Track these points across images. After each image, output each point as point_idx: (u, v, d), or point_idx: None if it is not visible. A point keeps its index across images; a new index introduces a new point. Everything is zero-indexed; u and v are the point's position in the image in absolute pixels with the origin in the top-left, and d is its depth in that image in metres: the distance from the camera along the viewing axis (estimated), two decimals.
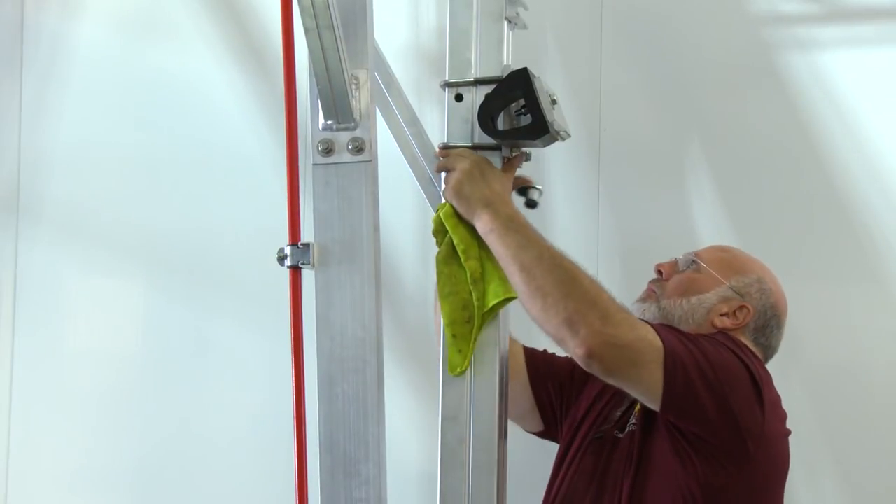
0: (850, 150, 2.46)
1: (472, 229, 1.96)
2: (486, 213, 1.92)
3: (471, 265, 1.96)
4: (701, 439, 1.93)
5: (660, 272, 2.18)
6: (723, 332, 2.08)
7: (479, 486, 1.97)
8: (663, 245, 2.52)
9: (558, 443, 2.25)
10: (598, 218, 2.58)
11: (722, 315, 2.10)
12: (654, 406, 1.92)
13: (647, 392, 1.91)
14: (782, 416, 2.07)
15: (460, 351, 1.97)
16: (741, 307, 2.10)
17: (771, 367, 2.40)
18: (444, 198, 1.98)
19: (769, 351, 2.16)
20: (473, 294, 1.96)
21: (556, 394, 2.27)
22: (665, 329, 1.95)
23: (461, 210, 1.95)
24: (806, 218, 2.49)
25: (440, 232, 2.00)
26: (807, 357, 2.47)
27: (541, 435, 2.31)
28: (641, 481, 1.98)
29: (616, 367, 1.87)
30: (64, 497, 2.88)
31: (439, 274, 2.00)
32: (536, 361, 2.28)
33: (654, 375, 1.87)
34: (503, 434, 2.02)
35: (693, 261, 2.16)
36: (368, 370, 1.88)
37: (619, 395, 2.14)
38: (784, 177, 2.50)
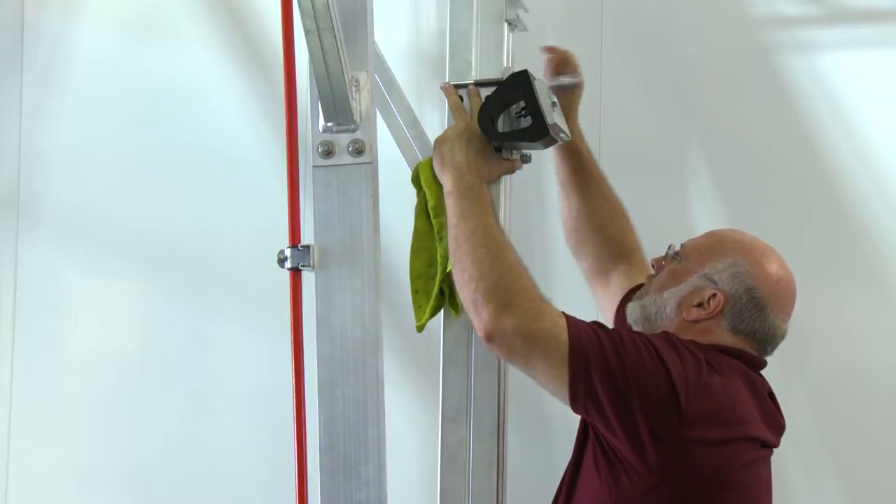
0: (850, 152, 2.47)
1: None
2: (452, 174, 1.93)
3: (439, 222, 1.99)
4: (611, 447, 1.87)
5: (653, 266, 2.12)
6: (666, 333, 1.97)
7: (479, 488, 1.98)
8: (663, 246, 2.52)
9: None
10: None
11: (696, 306, 2.00)
12: (564, 401, 1.87)
13: (552, 386, 1.86)
14: (727, 422, 1.91)
15: (420, 306, 1.99)
16: (713, 295, 1.99)
17: (771, 367, 2.40)
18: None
19: (758, 336, 2.01)
20: (438, 251, 1.98)
21: None
22: (586, 326, 1.88)
23: (435, 165, 1.97)
24: (806, 220, 2.49)
25: (416, 181, 2.02)
26: (807, 359, 2.47)
27: None
28: (574, 491, 1.95)
29: (512, 354, 1.85)
30: (64, 497, 2.88)
31: (413, 228, 2.03)
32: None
33: (556, 370, 1.83)
34: (503, 435, 2.02)
35: (675, 253, 2.09)
36: (368, 372, 1.88)
37: None
38: (784, 178, 2.50)
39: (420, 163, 2.03)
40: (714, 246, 2.07)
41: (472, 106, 1.99)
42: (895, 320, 2.44)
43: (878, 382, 2.44)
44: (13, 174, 2.92)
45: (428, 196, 1.99)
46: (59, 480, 2.88)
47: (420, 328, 2.01)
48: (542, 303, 1.87)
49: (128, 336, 2.88)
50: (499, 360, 2.01)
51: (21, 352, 2.91)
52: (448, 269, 1.97)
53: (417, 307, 2.01)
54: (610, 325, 2.19)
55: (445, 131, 1.99)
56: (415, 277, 2.01)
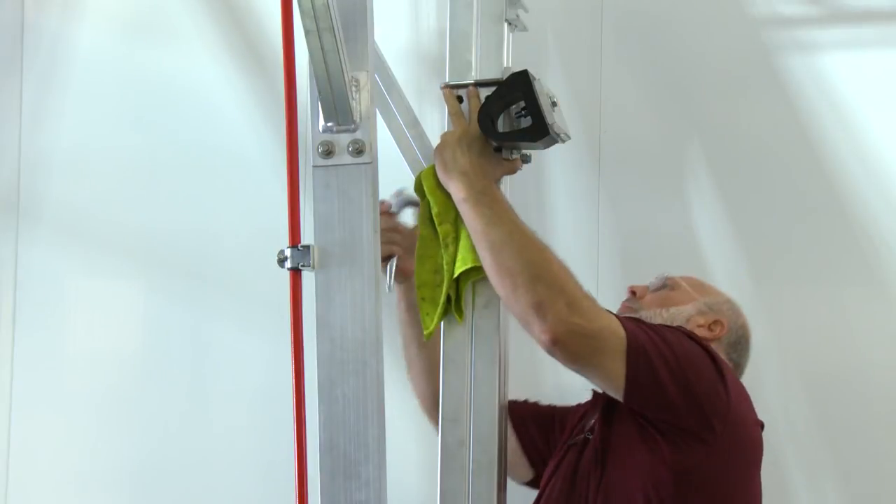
0: (850, 152, 2.47)
1: (449, 194, 1.98)
2: (460, 180, 1.93)
3: (444, 229, 1.98)
4: (668, 423, 1.93)
5: (633, 293, 2.20)
6: (681, 328, 2.09)
7: (479, 488, 1.97)
8: (663, 246, 2.53)
9: None
10: (598, 219, 2.58)
11: (699, 326, 2.14)
12: (617, 395, 1.92)
13: (609, 381, 1.91)
14: (751, 406, 2.07)
15: (428, 314, 1.99)
16: (716, 321, 2.15)
17: (771, 368, 2.41)
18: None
19: (739, 369, 2.19)
20: (445, 258, 1.97)
21: (541, 435, 2.27)
22: (628, 319, 1.96)
23: (439, 172, 1.97)
24: (805, 220, 2.49)
25: (419, 191, 2.02)
26: (806, 359, 2.47)
27: (531, 484, 2.28)
28: (609, 473, 1.99)
29: (579, 354, 1.88)
30: (64, 497, 2.88)
31: (418, 236, 2.02)
32: (518, 407, 2.30)
33: (616, 364, 1.88)
34: (503, 436, 2.02)
35: (665, 282, 2.21)
36: (368, 372, 1.87)
37: (591, 411, 2.17)
38: (783, 179, 2.50)
39: (422, 171, 2.03)
40: (701, 285, 2.23)
41: (470, 108, 1.99)
42: (895, 320, 2.44)
43: (878, 381, 2.44)
44: (13, 174, 2.91)
45: (432, 203, 1.99)
46: (58, 480, 2.88)
47: (429, 336, 2.00)
48: (593, 299, 1.92)
49: (128, 336, 2.88)
50: (499, 361, 2.01)
51: (21, 352, 2.91)
52: (455, 276, 1.97)
53: (425, 315, 2.00)
54: None
55: (444, 137, 1.99)
56: (420, 285, 2.01)
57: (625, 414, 1.97)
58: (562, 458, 2.14)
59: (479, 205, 1.92)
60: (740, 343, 2.18)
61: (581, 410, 2.25)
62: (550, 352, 1.86)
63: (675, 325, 2.11)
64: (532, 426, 2.25)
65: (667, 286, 2.21)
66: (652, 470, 1.94)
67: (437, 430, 2.08)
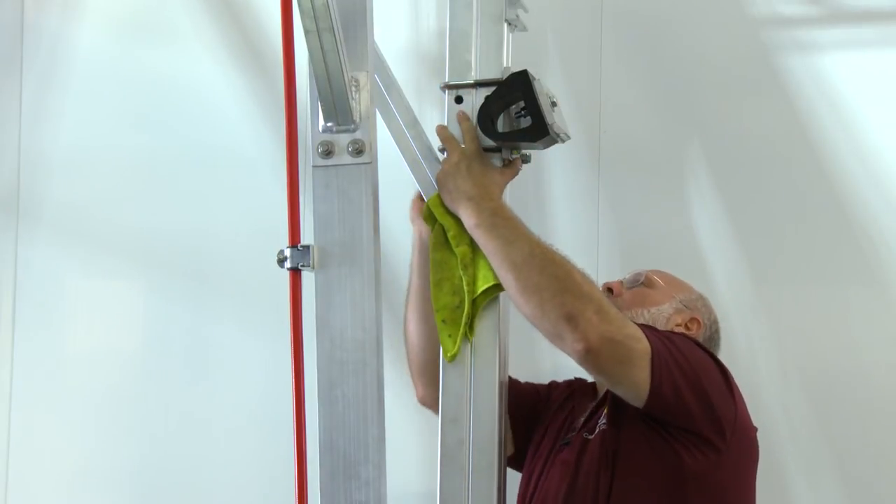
0: (850, 152, 2.47)
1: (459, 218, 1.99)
2: (468, 207, 1.95)
3: (461, 250, 1.99)
4: (683, 429, 1.95)
5: (610, 290, 2.20)
6: (684, 334, 2.11)
7: (478, 489, 1.98)
8: (663, 246, 2.53)
9: (521, 470, 2.24)
10: (598, 219, 2.58)
11: (677, 326, 2.15)
12: (638, 403, 1.93)
13: (634, 389, 1.92)
14: (748, 410, 2.09)
15: (450, 336, 2.00)
16: (692, 319, 2.17)
17: (771, 368, 2.41)
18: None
19: None
20: (464, 279, 1.98)
21: (530, 411, 2.27)
22: (645, 327, 1.97)
23: (445, 202, 1.99)
24: (805, 220, 2.49)
25: (430, 218, 2.03)
26: (807, 359, 2.47)
27: (509, 461, 2.27)
28: (619, 476, 1.99)
29: (610, 362, 1.88)
30: (64, 498, 2.88)
31: (431, 261, 2.03)
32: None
33: (643, 374, 1.89)
34: (503, 436, 2.03)
35: (640, 278, 2.21)
36: (368, 372, 1.87)
37: (579, 404, 2.19)
38: (783, 179, 2.50)
39: (429, 199, 2.03)
40: (675, 281, 2.23)
41: (462, 130, 2.00)
42: (895, 320, 2.44)
43: (878, 382, 2.44)
44: (13, 174, 2.92)
45: (447, 227, 2.00)
46: (58, 480, 2.88)
47: (451, 358, 2.00)
48: (616, 308, 1.93)
49: (128, 336, 2.88)
50: (498, 361, 2.01)
51: (21, 352, 2.91)
52: (476, 294, 1.97)
53: (447, 337, 2.00)
54: None
55: (443, 166, 2.00)
56: (440, 308, 2.01)
57: (633, 417, 1.98)
58: (549, 456, 2.14)
59: (494, 227, 1.93)
60: (713, 338, 2.20)
61: (565, 391, 2.26)
62: (584, 360, 1.87)
63: (658, 325, 2.12)
64: (521, 402, 2.24)
65: (642, 283, 2.21)
66: (664, 474, 1.96)
67: (418, 388, 2.19)
